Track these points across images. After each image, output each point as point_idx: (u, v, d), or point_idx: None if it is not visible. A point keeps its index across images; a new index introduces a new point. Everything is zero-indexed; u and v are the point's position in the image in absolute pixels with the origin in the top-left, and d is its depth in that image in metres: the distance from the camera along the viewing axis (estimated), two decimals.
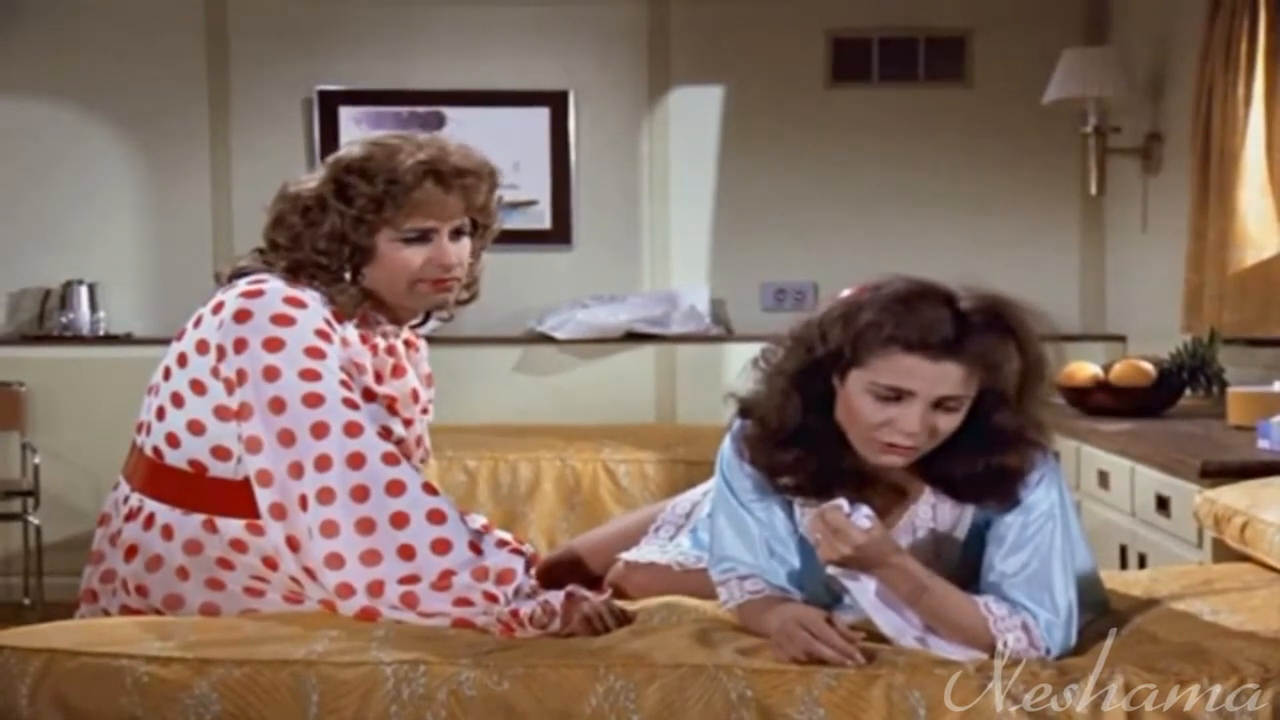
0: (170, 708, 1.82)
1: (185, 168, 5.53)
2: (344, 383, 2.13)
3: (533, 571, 2.17)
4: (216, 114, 5.53)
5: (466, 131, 4.85)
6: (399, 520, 2.05)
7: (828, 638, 1.85)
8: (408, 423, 2.32)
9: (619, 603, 2.15)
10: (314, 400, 2.09)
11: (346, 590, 2.05)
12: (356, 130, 5.42)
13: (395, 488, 2.07)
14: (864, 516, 1.90)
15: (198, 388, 2.16)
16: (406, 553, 2.04)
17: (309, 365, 2.11)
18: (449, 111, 5.47)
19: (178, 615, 2.14)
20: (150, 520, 2.18)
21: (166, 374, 2.22)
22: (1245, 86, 4.01)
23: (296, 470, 2.07)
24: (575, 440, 4.73)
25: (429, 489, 2.10)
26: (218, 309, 2.18)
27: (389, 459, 2.09)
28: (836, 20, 5.54)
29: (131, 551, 2.19)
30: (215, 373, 2.15)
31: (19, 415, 5.20)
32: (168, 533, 2.17)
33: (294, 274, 2.22)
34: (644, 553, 2.51)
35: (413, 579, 2.04)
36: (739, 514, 2.08)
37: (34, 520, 5.03)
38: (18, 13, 5.42)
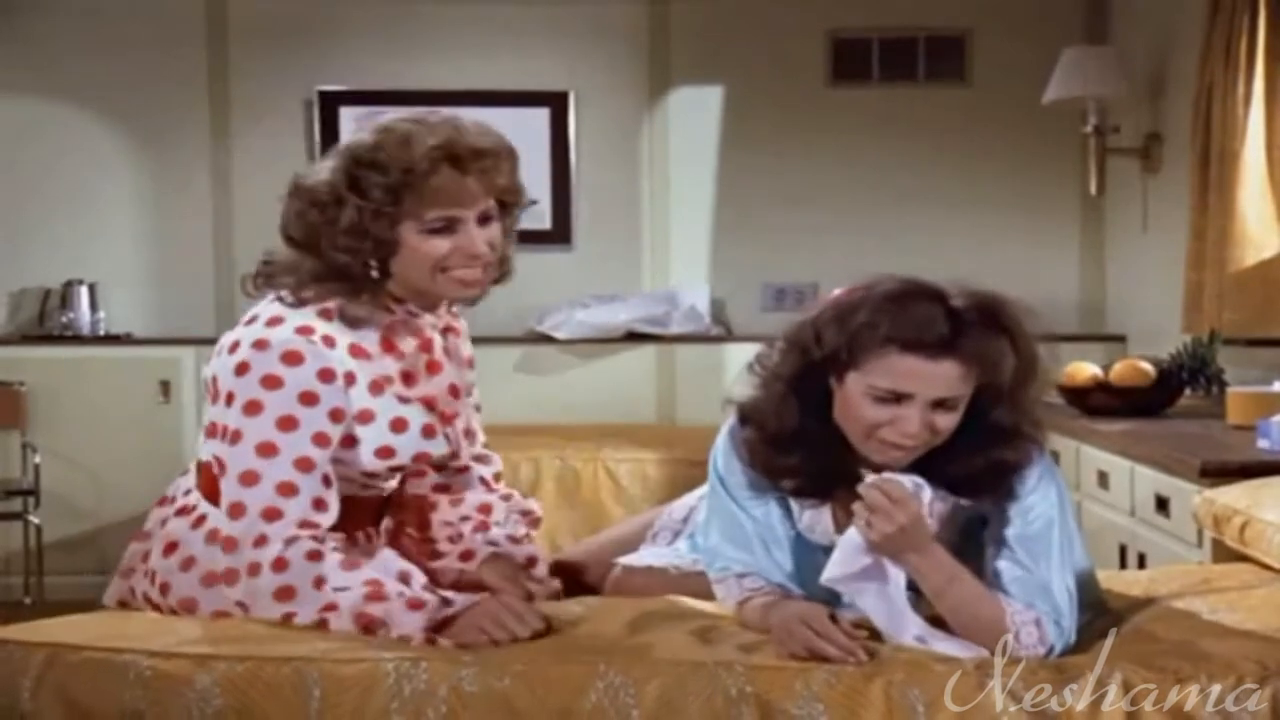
0: (172, 702, 1.82)
1: (185, 168, 5.53)
2: (300, 460, 2.05)
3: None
4: (216, 114, 5.53)
5: None
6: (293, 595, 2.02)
7: (830, 635, 1.85)
8: (449, 418, 2.28)
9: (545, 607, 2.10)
10: (250, 479, 2.05)
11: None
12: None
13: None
14: (919, 487, 1.88)
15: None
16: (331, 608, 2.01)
17: (269, 439, 2.05)
18: (448, 112, 5.44)
19: None
20: (200, 521, 2.15)
21: (209, 392, 2.17)
22: (1245, 86, 4.02)
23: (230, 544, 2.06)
24: (575, 440, 4.73)
25: (313, 556, 2.03)
26: (234, 349, 2.11)
27: (311, 556, 2.03)
28: (836, 20, 5.55)
29: (171, 547, 2.16)
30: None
31: (19, 415, 5.19)
32: (213, 537, 2.11)
33: (320, 282, 2.14)
34: (641, 557, 2.51)
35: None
36: (733, 511, 2.08)
37: (34, 520, 5.03)
38: (18, 13, 5.42)
